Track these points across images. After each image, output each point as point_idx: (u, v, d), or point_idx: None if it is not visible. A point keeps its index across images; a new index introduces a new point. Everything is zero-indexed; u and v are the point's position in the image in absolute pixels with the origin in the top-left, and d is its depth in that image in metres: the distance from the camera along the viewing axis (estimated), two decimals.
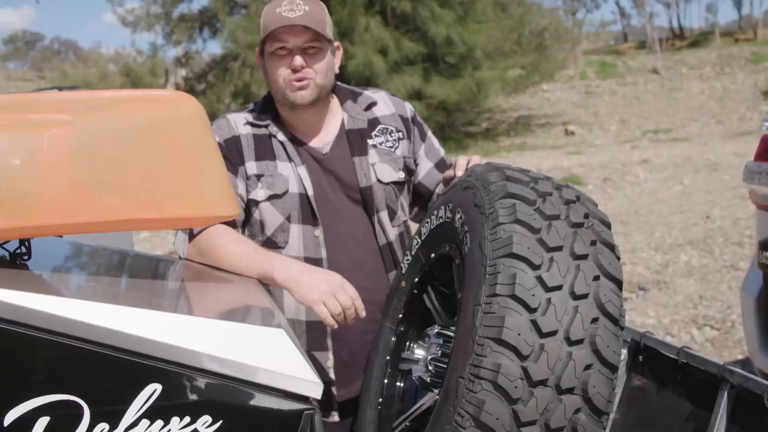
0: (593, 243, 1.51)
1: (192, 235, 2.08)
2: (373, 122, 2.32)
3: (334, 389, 2.23)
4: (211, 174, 1.49)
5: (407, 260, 2.02)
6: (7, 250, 1.52)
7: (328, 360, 2.22)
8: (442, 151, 2.43)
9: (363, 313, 1.92)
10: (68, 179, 1.35)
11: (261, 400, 1.34)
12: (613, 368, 1.44)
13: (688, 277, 7.04)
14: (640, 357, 2.13)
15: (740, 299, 3.45)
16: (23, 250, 1.50)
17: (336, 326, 1.90)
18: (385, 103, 2.37)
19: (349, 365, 2.24)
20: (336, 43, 2.25)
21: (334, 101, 2.31)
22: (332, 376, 2.22)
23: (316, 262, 2.17)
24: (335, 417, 2.24)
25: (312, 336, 2.21)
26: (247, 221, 2.22)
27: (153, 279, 1.83)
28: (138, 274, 1.89)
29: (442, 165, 2.38)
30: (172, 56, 26.86)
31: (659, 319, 5.98)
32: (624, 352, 2.14)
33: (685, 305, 6.26)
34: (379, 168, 2.27)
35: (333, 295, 1.87)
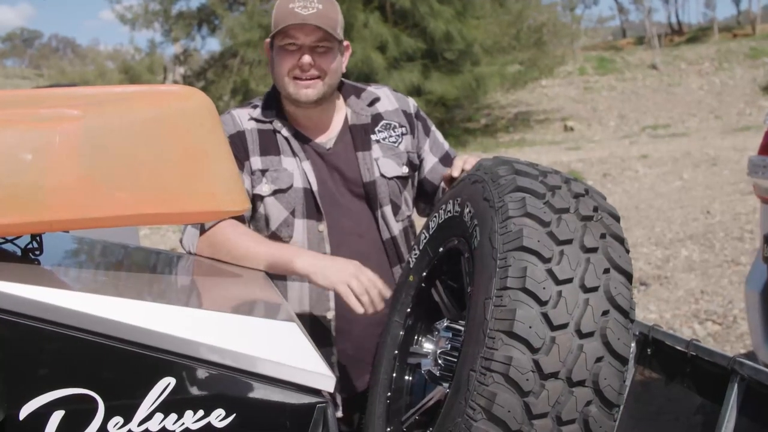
0: (603, 236, 1.52)
1: (203, 230, 2.09)
2: (377, 118, 2.32)
3: (338, 384, 2.23)
4: (221, 168, 1.49)
5: (415, 254, 2.02)
6: (18, 246, 1.53)
7: (333, 355, 2.23)
8: (446, 145, 2.44)
9: (388, 293, 1.95)
10: (78, 174, 1.35)
11: (274, 394, 1.34)
12: (624, 360, 1.44)
13: (689, 272, 7.04)
14: (649, 350, 2.13)
15: (744, 293, 3.46)
16: (35, 245, 1.51)
17: (361, 310, 1.92)
18: (388, 99, 2.38)
19: (354, 360, 2.25)
20: (345, 42, 2.25)
21: (338, 97, 2.32)
22: (336, 371, 2.23)
23: None
24: (339, 413, 2.24)
25: (316, 331, 2.21)
26: (252, 216, 2.22)
27: (165, 274, 1.84)
28: (149, 268, 1.89)
29: (446, 159, 2.38)
30: (171, 53, 26.79)
31: (661, 314, 5.99)
32: (632, 345, 2.15)
33: (686, 300, 6.27)
34: (383, 163, 2.28)
35: (356, 276, 1.91)
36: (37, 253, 1.51)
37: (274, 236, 2.20)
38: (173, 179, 1.43)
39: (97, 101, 1.46)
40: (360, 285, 1.92)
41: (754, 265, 3.43)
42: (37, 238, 1.51)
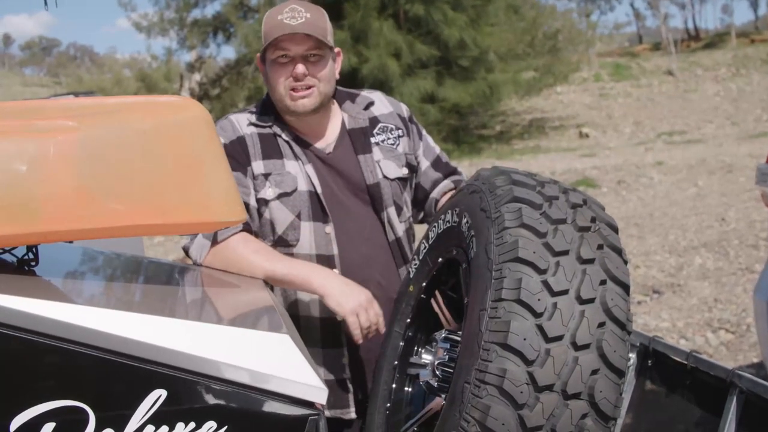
0: (600, 247, 1.50)
1: (214, 241, 2.09)
2: (374, 121, 2.35)
3: (350, 385, 2.25)
4: (217, 179, 1.49)
5: (415, 264, 2.02)
6: (15, 256, 1.53)
7: (343, 357, 2.24)
8: (437, 149, 2.46)
9: (383, 330, 2.05)
10: (74, 185, 1.35)
11: (266, 406, 1.33)
12: (620, 373, 1.43)
13: (702, 280, 6.99)
14: (649, 361, 2.11)
15: (752, 302, 3.42)
16: (30, 256, 1.51)
17: (360, 340, 2.02)
18: (382, 103, 2.40)
19: (364, 362, 2.25)
20: (336, 49, 2.26)
21: (333, 103, 2.33)
22: (348, 372, 2.24)
23: (327, 259, 2.19)
24: (352, 414, 2.25)
25: (325, 332, 2.23)
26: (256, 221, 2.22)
27: (158, 284, 1.84)
28: (143, 279, 1.90)
29: (437, 163, 2.41)
30: (187, 61, 26.90)
31: (673, 322, 5.94)
32: (633, 356, 2.13)
33: (699, 308, 6.22)
34: (384, 165, 2.30)
35: (366, 309, 1.98)
36: (33, 264, 1.51)
37: (281, 240, 2.20)
38: (169, 190, 1.43)
39: (93, 112, 1.47)
40: (367, 319, 2.00)
41: (763, 274, 3.39)
42: (33, 249, 1.52)
